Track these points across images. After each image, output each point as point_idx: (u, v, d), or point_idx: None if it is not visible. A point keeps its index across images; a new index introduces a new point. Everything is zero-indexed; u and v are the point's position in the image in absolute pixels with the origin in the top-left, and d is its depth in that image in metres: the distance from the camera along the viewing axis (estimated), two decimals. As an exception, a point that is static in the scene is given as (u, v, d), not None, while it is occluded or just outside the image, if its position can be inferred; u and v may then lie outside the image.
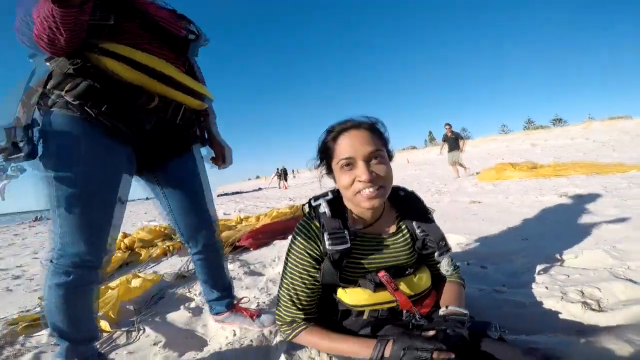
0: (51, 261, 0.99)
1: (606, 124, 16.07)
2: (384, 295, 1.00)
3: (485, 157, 12.55)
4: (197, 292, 2.04)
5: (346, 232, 0.98)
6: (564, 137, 15.07)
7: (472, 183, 5.83)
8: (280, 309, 1.08)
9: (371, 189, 0.92)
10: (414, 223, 1.08)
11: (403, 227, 1.10)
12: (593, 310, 1.20)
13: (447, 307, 0.98)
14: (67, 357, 1.03)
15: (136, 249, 3.40)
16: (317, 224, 1.03)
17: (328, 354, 1.09)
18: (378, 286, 0.99)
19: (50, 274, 0.99)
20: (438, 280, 1.14)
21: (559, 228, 2.36)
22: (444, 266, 1.07)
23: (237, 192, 17.50)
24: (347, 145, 0.94)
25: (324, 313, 1.10)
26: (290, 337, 1.06)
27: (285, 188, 14.96)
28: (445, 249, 1.06)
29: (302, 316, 1.05)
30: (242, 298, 1.64)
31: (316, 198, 1.07)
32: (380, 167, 0.94)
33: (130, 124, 1.01)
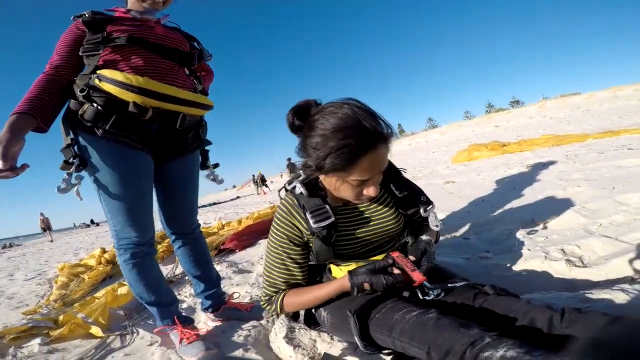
0: (114, 246, 1.24)
1: (559, 101, 17.03)
2: None
3: (454, 142, 12.92)
4: (187, 293, 2.00)
5: (327, 207, 0.97)
6: (523, 117, 15.81)
7: (445, 166, 5.99)
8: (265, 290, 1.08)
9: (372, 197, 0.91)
10: (391, 185, 1.07)
11: (382, 191, 1.08)
12: (577, 266, 1.27)
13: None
14: (163, 318, 1.32)
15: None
16: (296, 202, 1.01)
17: (329, 321, 1.02)
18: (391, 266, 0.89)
19: (118, 256, 1.24)
20: None
21: (530, 196, 2.49)
22: (433, 221, 1.03)
23: (214, 203, 16.93)
24: (371, 167, 0.85)
25: None
26: (277, 310, 1.05)
27: (265, 194, 14.79)
28: (428, 203, 1.07)
29: (284, 287, 1.05)
30: (233, 293, 1.64)
31: (290, 182, 1.06)
32: (381, 175, 0.92)
33: (136, 134, 1.16)
